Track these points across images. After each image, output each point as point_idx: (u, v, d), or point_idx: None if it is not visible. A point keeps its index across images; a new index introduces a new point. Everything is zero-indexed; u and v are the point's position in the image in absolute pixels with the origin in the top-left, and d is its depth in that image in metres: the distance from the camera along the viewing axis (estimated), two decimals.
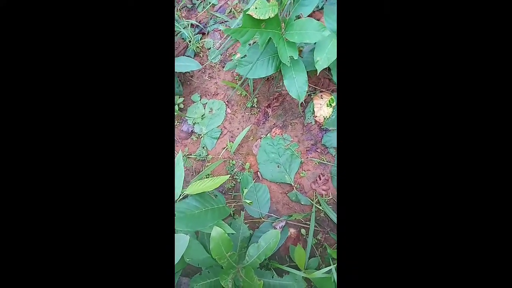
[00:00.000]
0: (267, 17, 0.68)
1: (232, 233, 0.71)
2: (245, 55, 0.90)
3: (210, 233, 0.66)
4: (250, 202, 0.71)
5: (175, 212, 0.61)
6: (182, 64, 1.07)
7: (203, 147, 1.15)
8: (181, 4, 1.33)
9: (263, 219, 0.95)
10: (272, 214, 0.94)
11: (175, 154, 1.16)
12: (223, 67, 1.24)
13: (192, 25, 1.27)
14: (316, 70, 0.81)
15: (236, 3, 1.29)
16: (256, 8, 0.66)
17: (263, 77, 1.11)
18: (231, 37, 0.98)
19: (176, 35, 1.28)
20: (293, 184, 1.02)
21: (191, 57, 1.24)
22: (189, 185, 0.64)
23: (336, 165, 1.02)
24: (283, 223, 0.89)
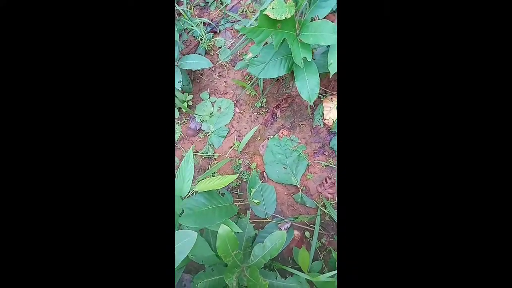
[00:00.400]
0: (283, 17, 0.68)
1: (238, 232, 0.70)
2: (257, 55, 0.90)
3: (216, 231, 0.66)
4: (258, 202, 0.71)
5: (184, 209, 0.61)
6: (193, 62, 1.07)
7: (210, 145, 1.16)
8: (194, 3, 1.33)
9: (268, 220, 0.95)
10: (278, 215, 0.93)
11: (183, 151, 1.17)
12: (233, 66, 1.25)
13: (204, 23, 1.28)
14: (327, 72, 0.81)
15: (249, 3, 1.29)
16: (273, 8, 0.66)
17: (274, 78, 1.11)
18: (245, 36, 0.98)
19: (188, 32, 1.28)
20: (299, 186, 1.02)
21: (201, 55, 1.24)
22: (198, 182, 0.64)
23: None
24: (288, 225, 0.88)
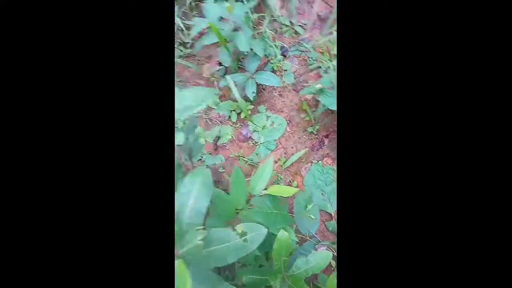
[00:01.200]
0: None
1: (295, 241, 0.75)
2: (329, 87, 1.00)
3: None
4: (315, 218, 0.76)
5: (255, 205, 0.67)
6: (265, 78, 1.19)
7: (256, 154, 1.23)
8: (274, 27, 1.48)
9: (307, 237, 0.99)
10: (317, 236, 0.98)
11: (230, 152, 1.24)
12: (294, 89, 1.36)
13: (277, 46, 1.41)
14: None
15: (322, 39, 1.43)
16: None
17: (334, 110, 1.20)
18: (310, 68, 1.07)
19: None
20: (333, 215, 1.07)
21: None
22: (270, 186, 0.70)
23: None
24: (324, 248, 0.92)
